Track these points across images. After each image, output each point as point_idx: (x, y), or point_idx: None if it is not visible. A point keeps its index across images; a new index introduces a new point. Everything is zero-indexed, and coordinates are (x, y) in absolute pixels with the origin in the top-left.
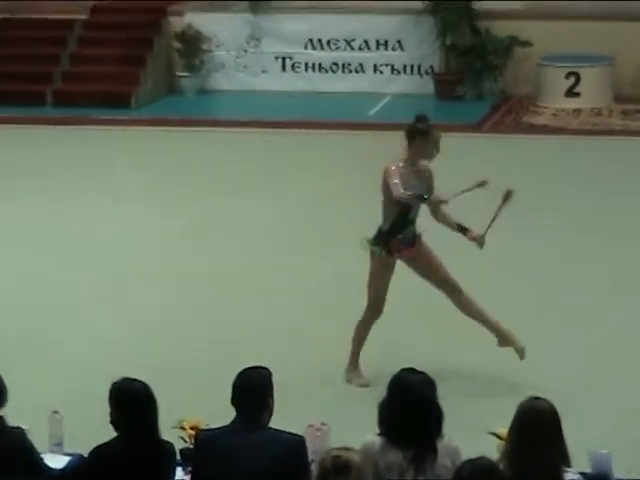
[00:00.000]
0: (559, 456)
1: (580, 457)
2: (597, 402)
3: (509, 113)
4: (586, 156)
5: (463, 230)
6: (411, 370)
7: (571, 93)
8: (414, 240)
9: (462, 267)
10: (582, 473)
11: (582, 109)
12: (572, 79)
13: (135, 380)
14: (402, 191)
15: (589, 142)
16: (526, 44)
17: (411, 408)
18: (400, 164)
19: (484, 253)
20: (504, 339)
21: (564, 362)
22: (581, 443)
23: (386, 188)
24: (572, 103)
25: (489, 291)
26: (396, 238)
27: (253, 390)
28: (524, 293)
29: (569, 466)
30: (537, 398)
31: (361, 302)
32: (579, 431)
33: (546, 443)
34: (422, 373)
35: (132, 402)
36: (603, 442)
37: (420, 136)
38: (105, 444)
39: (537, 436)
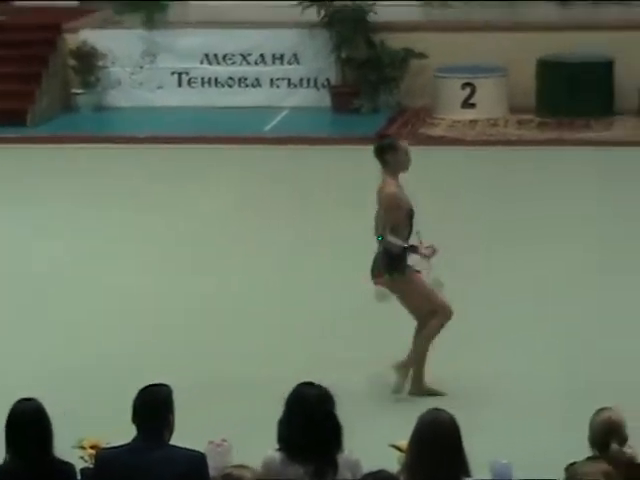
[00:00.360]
0: (459, 467)
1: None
2: (502, 412)
3: (406, 125)
4: (483, 166)
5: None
6: (309, 384)
7: (467, 104)
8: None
9: None
10: None
11: (478, 120)
12: (468, 90)
13: (29, 399)
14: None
15: (486, 152)
16: (421, 56)
17: (310, 423)
18: (393, 185)
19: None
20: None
21: (475, 371)
22: (485, 453)
23: (393, 212)
24: (468, 114)
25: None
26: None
27: (153, 407)
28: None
29: (469, 477)
30: (437, 410)
31: (266, 315)
32: (482, 441)
33: (446, 455)
34: (320, 387)
35: (21, 422)
36: (505, 452)
37: (391, 151)
38: None
39: (437, 448)
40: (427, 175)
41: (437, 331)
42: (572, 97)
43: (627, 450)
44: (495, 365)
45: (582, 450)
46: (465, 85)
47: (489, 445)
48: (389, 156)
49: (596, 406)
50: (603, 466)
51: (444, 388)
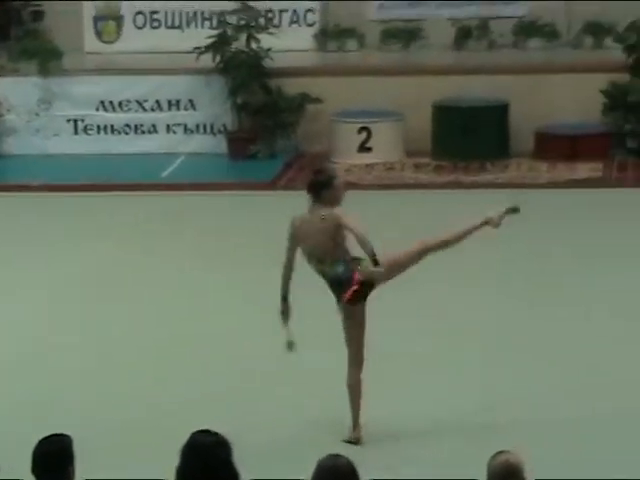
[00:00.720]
0: None
1: None
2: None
3: (303, 170)
4: (379, 209)
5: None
6: (205, 432)
7: (363, 148)
8: None
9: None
10: None
11: (375, 164)
12: (364, 134)
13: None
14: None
15: (383, 196)
16: (317, 101)
17: (205, 471)
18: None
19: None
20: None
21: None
22: None
23: (338, 229)
24: (365, 158)
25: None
26: None
27: (54, 458)
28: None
29: None
30: (336, 455)
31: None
32: None
33: None
34: (216, 434)
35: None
36: None
37: (328, 188)
38: None
39: None
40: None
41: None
42: (467, 140)
43: None
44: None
45: None
46: (361, 129)
47: None
48: (325, 192)
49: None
50: None
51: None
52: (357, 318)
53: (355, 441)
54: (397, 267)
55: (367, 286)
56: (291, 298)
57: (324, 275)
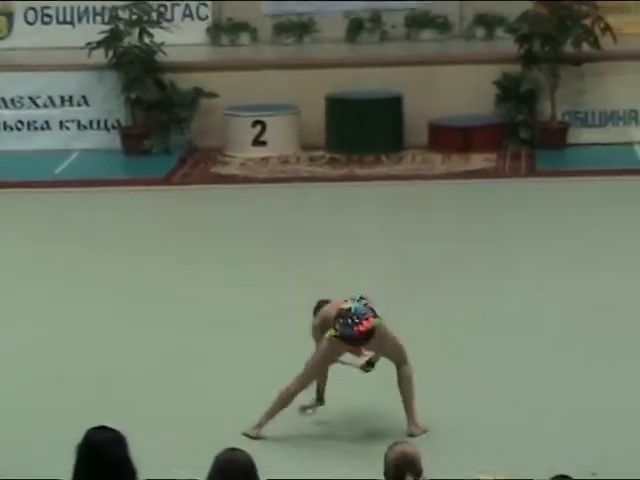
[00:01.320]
0: None
1: None
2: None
3: (197, 165)
4: (274, 203)
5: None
6: (100, 428)
7: (258, 142)
8: None
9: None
10: None
11: (270, 157)
12: (258, 128)
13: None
14: None
15: (278, 190)
16: (211, 95)
17: (100, 467)
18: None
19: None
20: None
21: None
22: None
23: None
24: (259, 152)
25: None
26: None
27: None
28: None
29: None
30: (233, 449)
31: None
32: None
33: None
34: (112, 430)
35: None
36: None
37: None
38: None
39: None
40: (218, 213)
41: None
42: (361, 133)
43: None
44: None
45: None
46: (255, 123)
47: None
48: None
49: None
50: None
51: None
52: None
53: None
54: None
55: None
56: None
57: None
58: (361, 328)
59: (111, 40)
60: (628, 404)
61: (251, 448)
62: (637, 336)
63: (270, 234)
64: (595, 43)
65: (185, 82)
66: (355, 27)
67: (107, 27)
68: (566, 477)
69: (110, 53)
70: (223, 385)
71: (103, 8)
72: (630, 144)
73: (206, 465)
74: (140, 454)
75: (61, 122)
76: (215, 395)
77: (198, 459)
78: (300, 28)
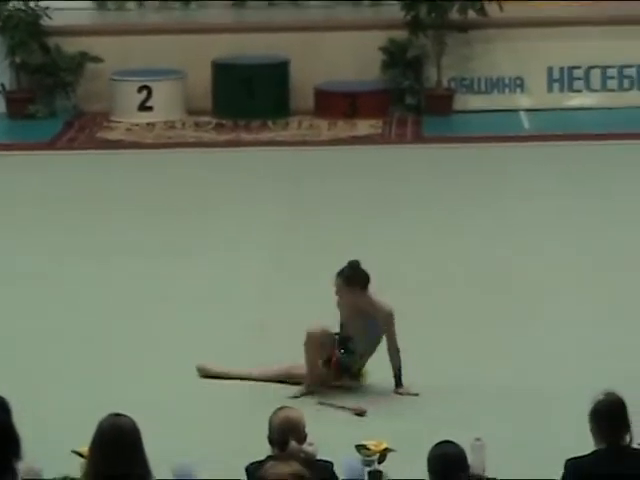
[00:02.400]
0: (142, 469)
1: None
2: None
3: (83, 130)
4: (163, 170)
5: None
6: None
7: (144, 107)
8: None
9: None
10: None
11: (156, 123)
12: (144, 93)
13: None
14: None
15: (164, 155)
16: (97, 60)
17: None
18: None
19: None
20: None
21: None
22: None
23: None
24: (145, 117)
25: None
26: None
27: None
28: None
29: (151, 475)
30: (117, 414)
31: None
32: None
33: (129, 457)
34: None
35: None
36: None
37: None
38: None
39: (118, 451)
40: (107, 179)
41: None
42: (248, 98)
43: (308, 448)
44: None
45: None
46: (141, 88)
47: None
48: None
49: None
50: (294, 466)
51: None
52: None
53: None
54: None
55: None
56: None
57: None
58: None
59: None
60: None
61: None
62: None
63: (155, 200)
64: (481, 10)
65: (71, 46)
66: None
67: None
68: (451, 442)
69: None
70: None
71: None
72: (515, 111)
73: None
74: None
75: None
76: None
77: None
78: None
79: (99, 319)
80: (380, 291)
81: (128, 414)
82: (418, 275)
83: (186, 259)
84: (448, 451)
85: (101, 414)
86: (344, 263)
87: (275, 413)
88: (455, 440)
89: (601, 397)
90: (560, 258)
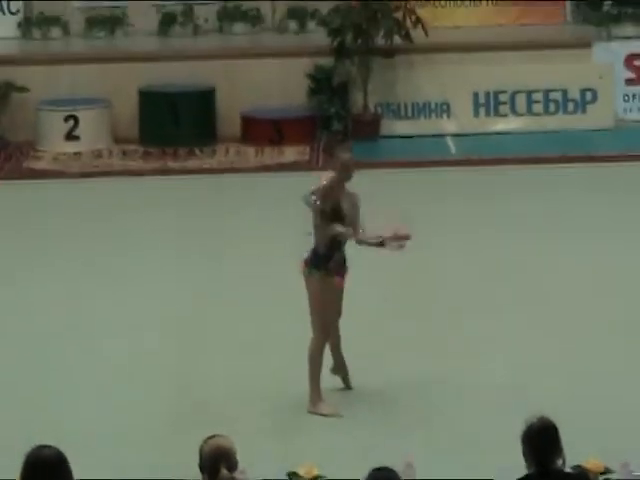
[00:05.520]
0: None
1: None
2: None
3: (9, 159)
4: (89, 197)
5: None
6: None
7: (70, 136)
8: (344, 269)
9: None
10: None
11: (82, 152)
12: (71, 122)
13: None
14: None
15: (90, 184)
16: (23, 89)
17: None
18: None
19: None
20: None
21: None
22: None
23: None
24: (72, 146)
25: None
26: (332, 260)
27: None
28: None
29: None
30: (42, 447)
31: None
32: None
33: None
34: None
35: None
36: None
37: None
38: None
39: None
40: (34, 208)
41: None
42: (174, 126)
43: (239, 476)
44: None
45: None
46: (68, 117)
47: None
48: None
49: None
50: None
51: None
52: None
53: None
54: None
55: None
56: None
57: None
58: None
59: None
60: None
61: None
62: None
63: (78, 228)
64: (406, 36)
65: None
66: (167, 20)
67: None
68: (387, 468)
69: None
70: None
71: None
72: (442, 136)
73: None
74: None
75: None
76: None
77: None
78: (112, 21)
79: (17, 346)
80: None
81: (55, 444)
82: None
83: (106, 286)
84: (378, 477)
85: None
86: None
87: (206, 441)
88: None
89: (534, 420)
90: (477, 284)
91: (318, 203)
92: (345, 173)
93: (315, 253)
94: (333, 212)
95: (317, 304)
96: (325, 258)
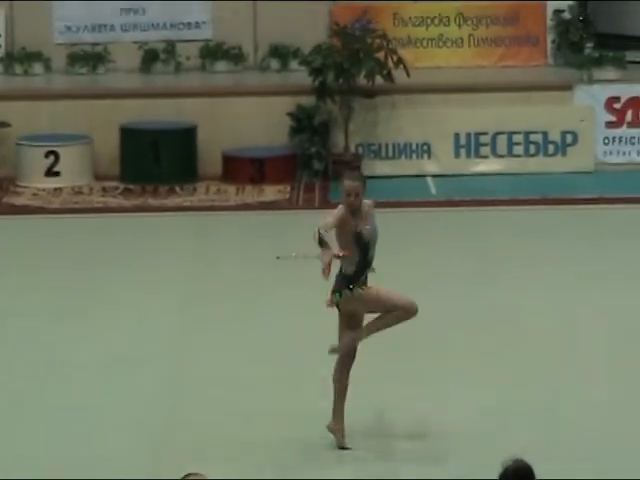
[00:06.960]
0: None
1: None
2: None
3: None
4: (67, 234)
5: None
6: None
7: (51, 172)
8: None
9: None
10: None
11: (63, 188)
12: (51, 158)
13: None
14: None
15: (71, 221)
16: (3, 125)
17: None
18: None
19: None
20: None
21: None
22: None
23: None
24: (52, 182)
25: None
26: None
27: None
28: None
29: None
30: None
31: None
32: None
33: None
34: None
35: None
36: None
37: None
38: None
39: None
40: (13, 244)
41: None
42: (155, 164)
43: None
44: None
45: None
46: (48, 153)
47: None
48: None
49: None
50: None
51: None
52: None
53: (331, 432)
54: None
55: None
56: None
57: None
58: None
59: None
60: None
61: None
62: None
63: (58, 264)
64: (388, 76)
65: None
66: (150, 58)
67: None
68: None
69: None
70: None
71: None
72: (423, 176)
73: None
74: None
75: None
76: None
77: None
78: (94, 58)
79: None
80: None
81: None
82: None
83: (83, 320)
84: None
85: None
86: None
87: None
88: None
89: (509, 463)
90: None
91: (320, 232)
92: (347, 198)
93: (343, 277)
94: (355, 239)
95: (366, 308)
96: (355, 276)
